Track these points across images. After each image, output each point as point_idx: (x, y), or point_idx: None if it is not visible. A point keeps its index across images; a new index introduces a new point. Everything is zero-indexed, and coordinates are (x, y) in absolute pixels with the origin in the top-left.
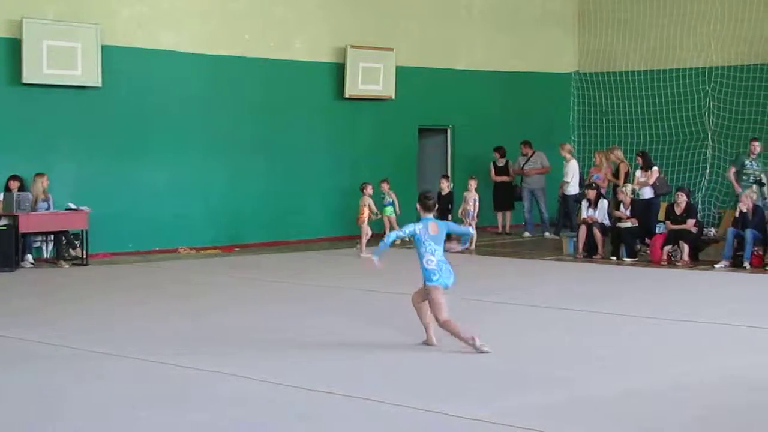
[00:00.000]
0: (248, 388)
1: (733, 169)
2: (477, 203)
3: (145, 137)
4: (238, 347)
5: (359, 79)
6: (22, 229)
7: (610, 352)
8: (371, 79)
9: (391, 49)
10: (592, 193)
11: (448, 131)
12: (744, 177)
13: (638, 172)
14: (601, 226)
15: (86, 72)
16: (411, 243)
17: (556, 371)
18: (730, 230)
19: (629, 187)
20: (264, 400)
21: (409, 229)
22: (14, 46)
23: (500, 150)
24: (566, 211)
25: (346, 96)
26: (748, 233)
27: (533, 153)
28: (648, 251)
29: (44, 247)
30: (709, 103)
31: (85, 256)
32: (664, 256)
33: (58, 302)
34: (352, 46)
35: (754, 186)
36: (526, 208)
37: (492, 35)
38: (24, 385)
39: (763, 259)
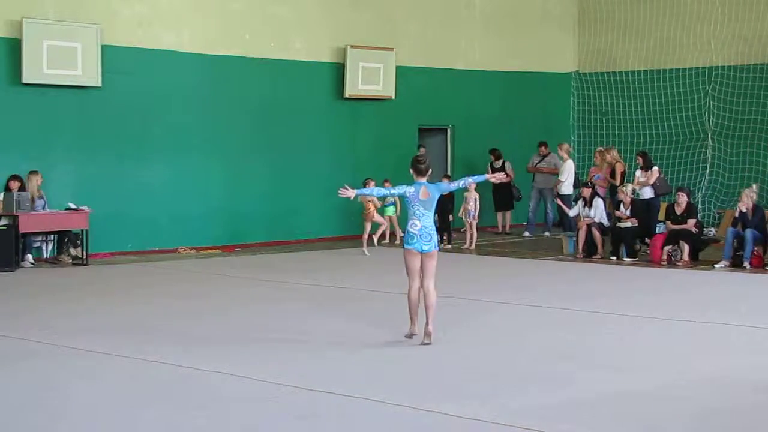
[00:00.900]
0: (249, 388)
1: None
2: (478, 203)
3: (145, 137)
4: (238, 347)
5: (359, 79)
6: (22, 229)
7: (611, 351)
8: (371, 79)
9: (391, 49)
10: (587, 192)
11: (448, 131)
12: None
13: (638, 172)
14: (600, 225)
15: (86, 72)
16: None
17: (556, 371)
18: (730, 230)
19: (629, 187)
20: (264, 400)
21: (400, 189)
22: (14, 46)
23: (495, 152)
24: (561, 211)
25: (346, 96)
26: (748, 233)
27: (548, 153)
28: (648, 251)
29: (44, 247)
30: (709, 103)
31: (84, 256)
32: (664, 256)
33: (58, 302)
34: (352, 46)
35: (754, 185)
36: (531, 207)
37: (492, 35)
38: (24, 384)
39: (763, 259)
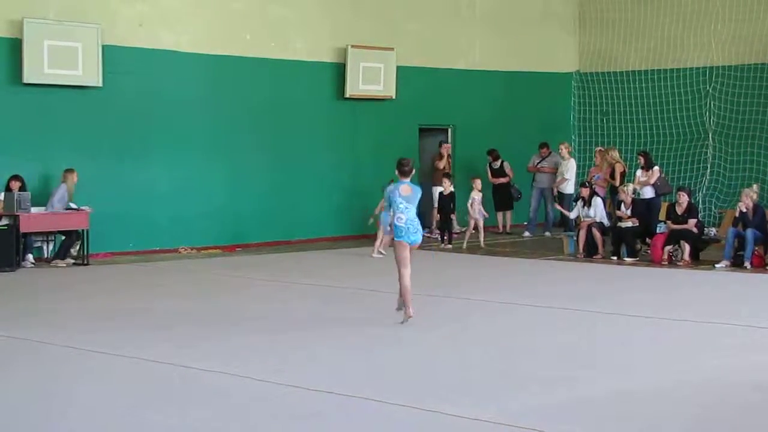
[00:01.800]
0: (249, 388)
1: None
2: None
3: (146, 137)
4: (239, 346)
5: (360, 79)
6: (23, 229)
7: (611, 351)
8: (372, 78)
9: (392, 49)
10: (585, 191)
11: (449, 131)
12: None
13: (639, 172)
14: (601, 225)
15: (87, 72)
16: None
17: (556, 371)
18: (731, 230)
19: (630, 186)
20: (265, 399)
21: (385, 195)
22: (15, 46)
23: (493, 152)
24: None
25: (347, 96)
26: (749, 233)
27: (549, 153)
28: (649, 251)
29: (45, 247)
30: (710, 103)
31: (85, 256)
32: (665, 256)
33: (58, 302)
34: (353, 46)
35: (755, 185)
36: (532, 207)
37: (493, 35)
38: (25, 384)
39: (763, 259)
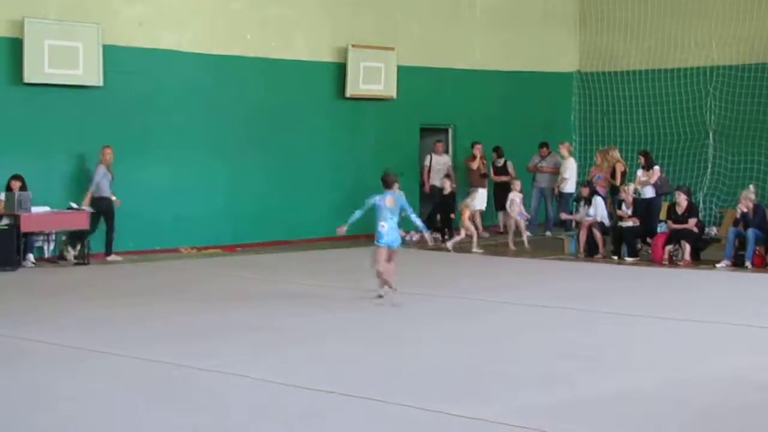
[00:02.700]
0: (249, 387)
1: None
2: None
3: (146, 137)
4: (238, 346)
5: (360, 79)
6: (24, 229)
7: (612, 351)
8: (372, 78)
9: (393, 49)
10: (585, 191)
11: (450, 130)
12: None
13: (640, 172)
14: (601, 225)
15: (87, 71)
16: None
17: (557, 370)
18: (732, 230)
19: (631, 186)
20: (266, 399)
21: (370, 201)
22: (16, 46)
23: (497, 150)
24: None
25: (348, 95)
26: (750, 233)
27: (549, 153)
28: (649, 251)
29: (45, 247)
30: (711, 103)
31: (86, 255)
32: (666, 256)
33: (59, 302)
34: (354, 46)
35: (751, 186)
36: (533, 207)
37: (493, 35)
38: (25, 384)
39: (764, 259)
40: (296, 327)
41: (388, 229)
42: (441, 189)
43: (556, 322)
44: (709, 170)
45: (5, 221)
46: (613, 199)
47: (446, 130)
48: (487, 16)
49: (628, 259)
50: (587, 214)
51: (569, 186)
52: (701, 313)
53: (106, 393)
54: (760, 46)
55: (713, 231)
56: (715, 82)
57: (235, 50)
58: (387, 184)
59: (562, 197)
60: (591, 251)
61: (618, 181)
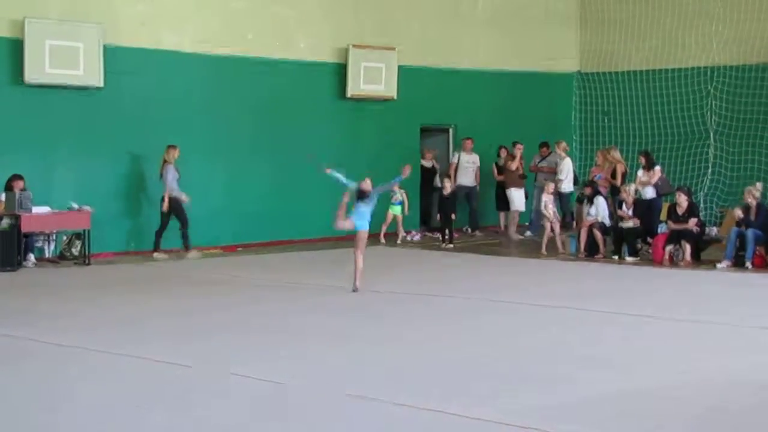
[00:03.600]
0: (252, 388)
1: None
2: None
3: (147, 137)
4: (240, 346)
5: (361, 79)
6: (25, 229)
7: (613, 351)
8: (373, 78)
9: (393, 49)
10: (588, 191)
11: (451, 131)
12: None
13: (640, 172)
14: (602, 225)
15: (88, 72)
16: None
17: (558, 370)
18: (734, 230)
19: (632, 186)
20: (269, 399)
21: (352, 185)
22: (16, 46)
23: (503, 149)
24: (562, 210)
25: (348, 96)
26: (750, 233)
27: (549, 153)
28: (650, 251)
29: (46, 247)
30: (711, 103)
31: (87, 256)
32: (666, 256)
33: (60, 302)
34: (354, 46)
35: (758, 184)
36: (534, 207)
37: (494, 35)
38: (27, 384)
39: (764, 259)
40: (298, 327)
41: (362, 212)
42: (465, 187)
43: (557, 322)
44: (709, 170)
45: (6, 221)
46: (614, 199)
47: (447, 131)
48: (488, 16)
49: (629, 260)
50: (588, 214)
51: (566, 185)
52: (702, 314)
53: (108, 392)
54: (761, 46)
55: (714, 231)
56: (716, 82)
57: (236, 50)
58: (361, 198)
59: (562, 197)
60: (591, 251)
61: (618, 182)
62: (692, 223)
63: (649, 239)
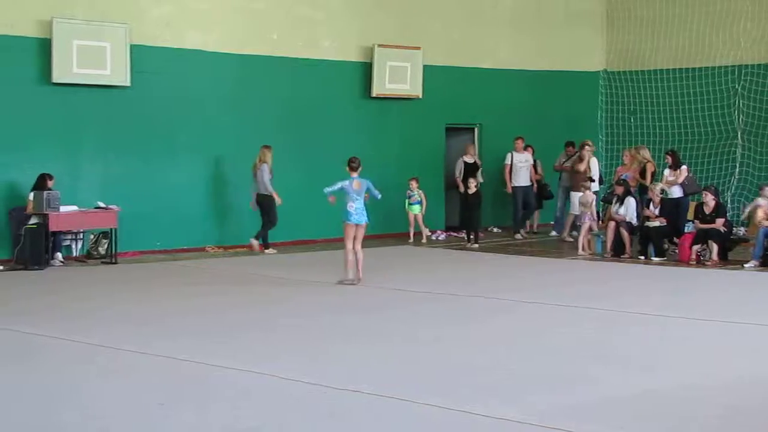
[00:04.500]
0: (276, 386)
1: None
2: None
3: (174, 136)
4: (265, 345)
5: (386, 78)
6: (52, 228)
7: (637, 351)
8: (398, 78)
9: (419, 48)
10: (620, 190)
11: (476, 130)
12: None
13: (667, 171)
14: (629, 225)
15: (115, 71)
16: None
17: (583, 370)
18: (762, 229)
19: (659, 186)
20: (292, 398)
21: (338, 185)
22: (44, 46)
23: (528, 149)
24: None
25: (374, 95)
26: None
27: (575, 153)
28: (676, 251)
29: (74, 246)
30: (739, 102)
31: (113, 255)
32: (693, 256)
33: (86, 300)
34: (380, 45)
35: None
36: (559, 206)
37: (519, 34)
38: (51, 381)
39: None
40: (317, 325)
41: (355, 208)
42: (522, 187)
43: (582, 321)
44: (737, 170)
45: (34, 220)
46: (642, 198)
47: (472, 130)
48: (513, 15)
49: (655, 259)
50: (617, 212)
51: (593, 185)
52: (727, 314)
53: (132, 390)
54: None
55: (741, 231)
56: (744, 81)
57: (261, 50)
58: (353, 169)
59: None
60: (618, 251)
61: (648, 181)
62: (719, 223)
63: (675, 239)
